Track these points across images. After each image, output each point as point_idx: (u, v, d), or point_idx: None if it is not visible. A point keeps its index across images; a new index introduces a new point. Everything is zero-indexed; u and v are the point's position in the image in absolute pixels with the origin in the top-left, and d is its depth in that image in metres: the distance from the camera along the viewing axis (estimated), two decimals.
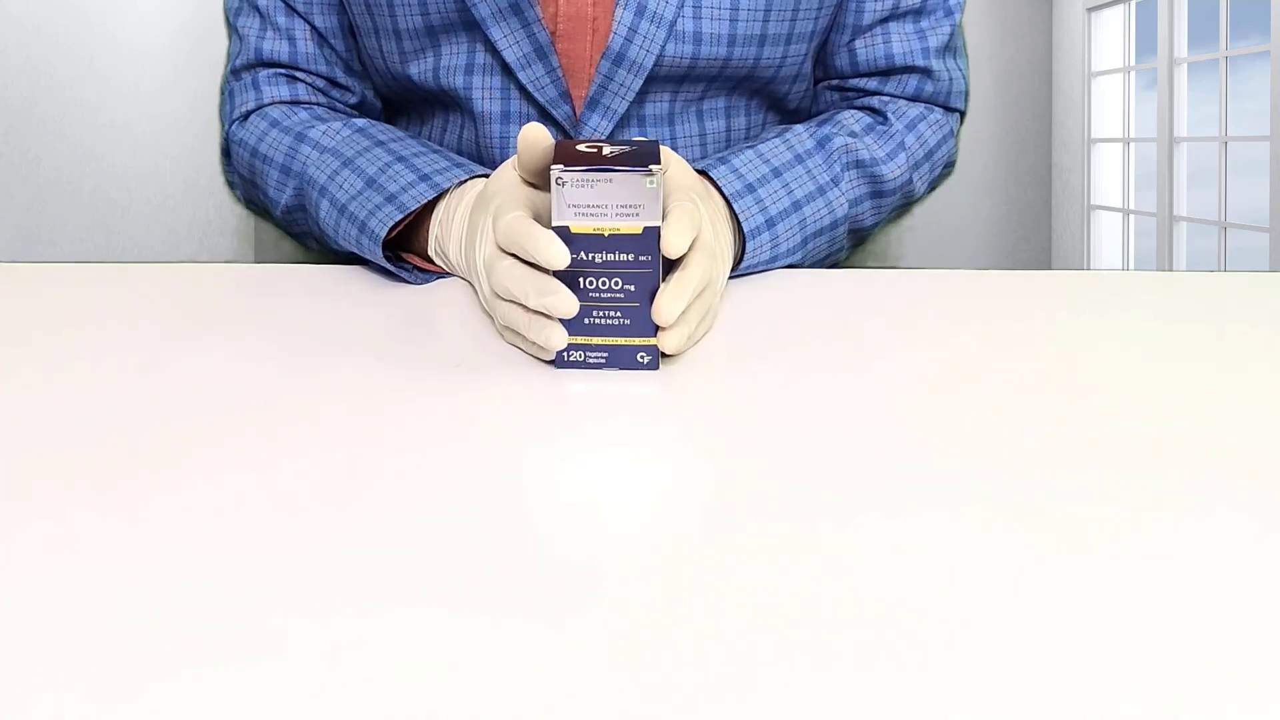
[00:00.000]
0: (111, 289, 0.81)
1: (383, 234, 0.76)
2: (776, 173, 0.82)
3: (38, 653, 0.40)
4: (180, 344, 0.69)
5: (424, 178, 0.78)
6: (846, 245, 0.90)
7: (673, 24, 0.83)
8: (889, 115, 0.91)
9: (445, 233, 0.78)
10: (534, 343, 0.64)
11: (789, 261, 0.82)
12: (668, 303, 0.62)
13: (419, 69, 0.88)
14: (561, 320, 0.63)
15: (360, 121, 0.87)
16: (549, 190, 0.66)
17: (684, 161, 0.72)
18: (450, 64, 0.87)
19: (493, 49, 0.85)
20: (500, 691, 0.38)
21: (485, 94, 0.87)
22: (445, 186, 0.77)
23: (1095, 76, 3.37)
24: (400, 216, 0.76)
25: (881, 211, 0.91)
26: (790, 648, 0.40)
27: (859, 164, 0.87)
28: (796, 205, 0.82)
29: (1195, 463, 0.54)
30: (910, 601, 0.43)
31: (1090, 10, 3.36)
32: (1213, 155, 2.93)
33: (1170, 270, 2.89)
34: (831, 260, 0.89)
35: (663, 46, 0.83)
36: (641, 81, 0.84)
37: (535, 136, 0.67)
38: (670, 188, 0.67)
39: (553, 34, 0.84)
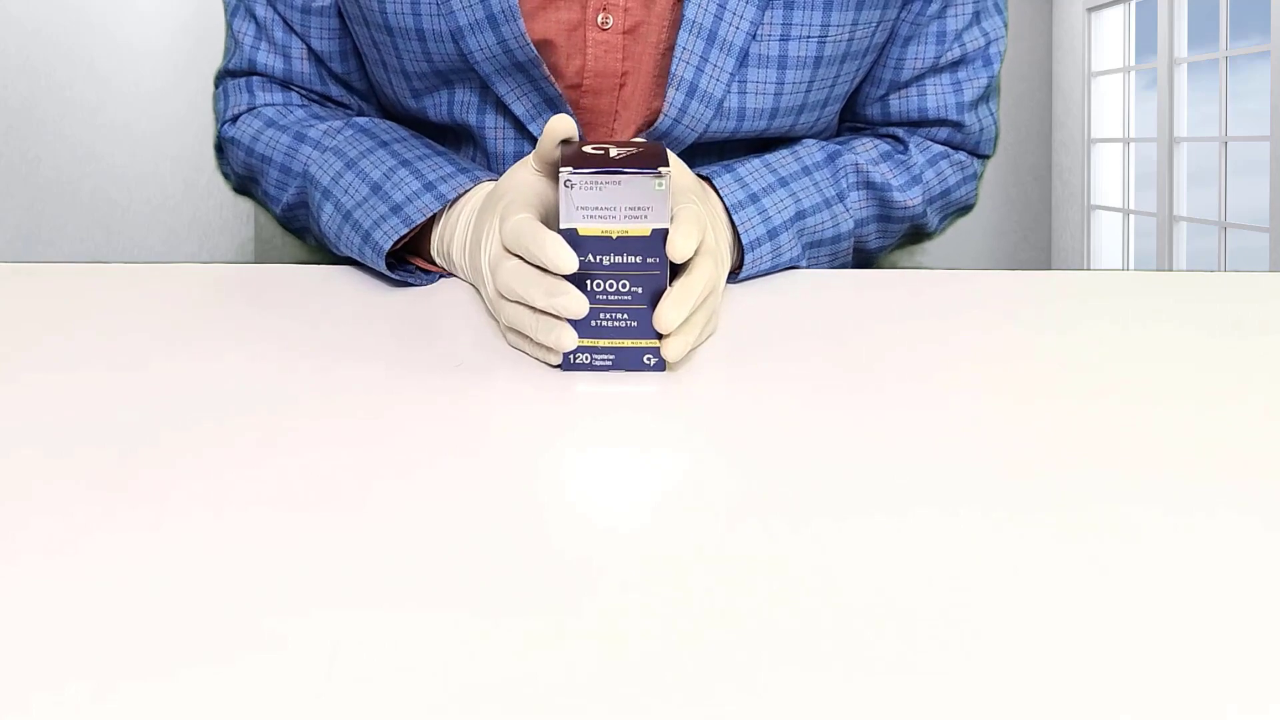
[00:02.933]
0: (111, 289, 0.81)
1: (387, 247, 0.75)
2: (783, 182, 0.81)
3: (39, 651, 0.40)
4: (180, 345, 0.69)
5: (429, 186, 0.77)
6: (850, 263, 0.89)
7: (720, 102, 0.81)
8: (910, 146, 0.89)
9: (449, 235, 0.77)
10: (541, 345, 0.64)
11: (788, 269, 0.82)
12: (670, 310, 0.62)
13: (434, 104, 0.86)
14: (571, 322, 0.63)
15: (362, 120, 0.86)
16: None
17: (682, 163, 0.72)
18: (464, 100, 0.85)
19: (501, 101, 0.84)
20: (502, 691, 0.38)
21: (498, 134, 0.85)
22: (451, 197, 0.76)
23: (1095, 76, 3.38)
24: (405, 230, 0.75)
25: (888, 237, 0.89)
26: (793, 648, 0.40)
27: (869, 185, 0.85)
28: (800, 215, 0.81)
29: (1195, 463, 0.54)
30: (912, 602, 0.43)
31: (1090, 10, 3.36)
32: (1213, 155, 2.94)
33: (1170, 270, 2.90)
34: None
35: (708, 125, 0.82)
36: (679, 151, 0.83)
37: (561, 128, 0.66)
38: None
39: (578, 88, 0.83)
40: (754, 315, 0.74)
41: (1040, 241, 3.56)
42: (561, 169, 0.62)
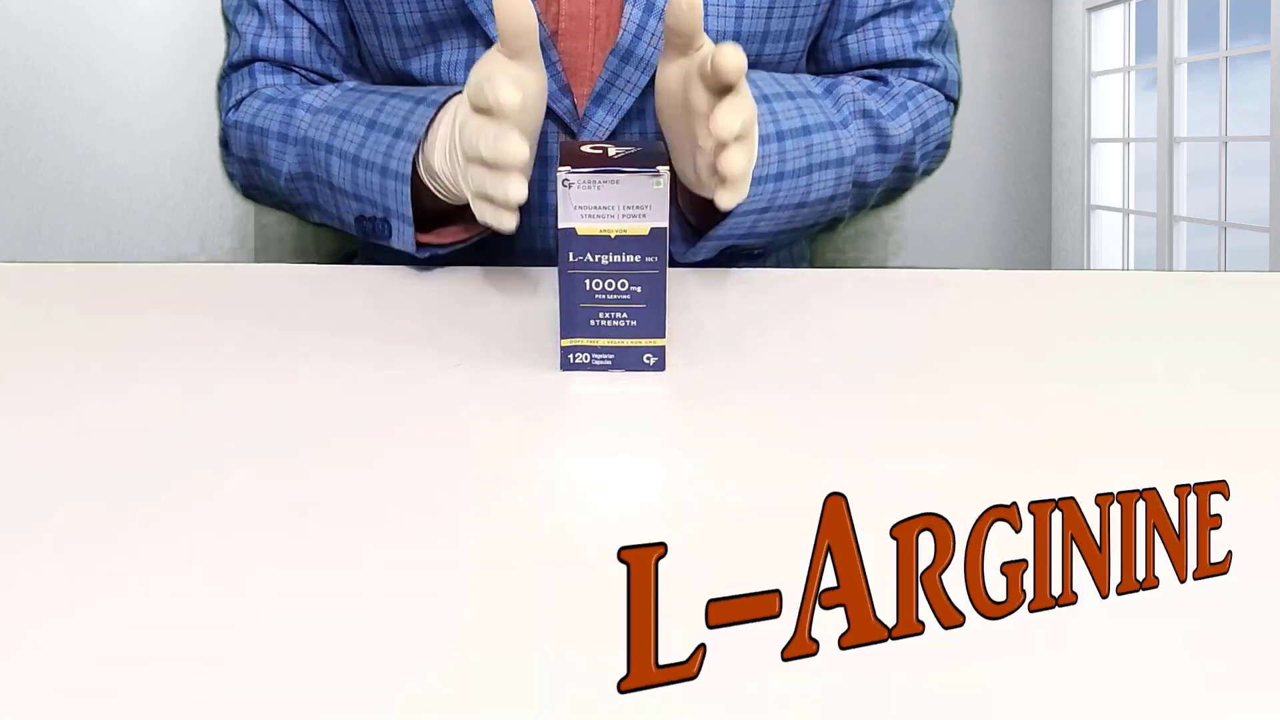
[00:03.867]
0: (111, 289, 0.81)
1: (407, 172, 0.77)
2: (790, 95, 0.84)
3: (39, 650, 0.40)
4: (180, 344, 0.69)
5: (420, 100, 0.79)
6: (849, 203, 0.90)
7: None
8: (890, 80, 0.92)
9: (431, 147, 0.78)
10: (494, 200, 0.65)
11: (793, 186, 0.82)
12: (727, 115, 0.63)
13: (420, 64, 0.88)
14: (569, 322, 0.63)
15: (350, 82, 0.89)
16: (530, 62, 0.66)
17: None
18: (452, 59, 0.87)
19: (491, 44, 0.85)
20: (502, 692, 0.38)
21: None
22: (440, 100, 0.78)
23: (1095, 76, 3.37)
24: (414, 148, 0.77)
25: (884, 169, 0.91)
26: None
27: (866, 113, 0.88)
28: (806, 130, 0.83)
29: (1195, 463, 0.54)
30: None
31: (1090, 10, 3.36)
32: (1213, 155, 2.93)
33: (1170, 270, 2.89)
34: (833, 214, 0.89)
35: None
36: (648, 79, 0.85)
37: (512, 3, 0.67)
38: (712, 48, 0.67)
39: (554, 32, 0.85)
40: (753, 315, 0.74)
41: (1040, 241, 3.55)
42: (559, 168, 0.62)
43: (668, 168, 0.62)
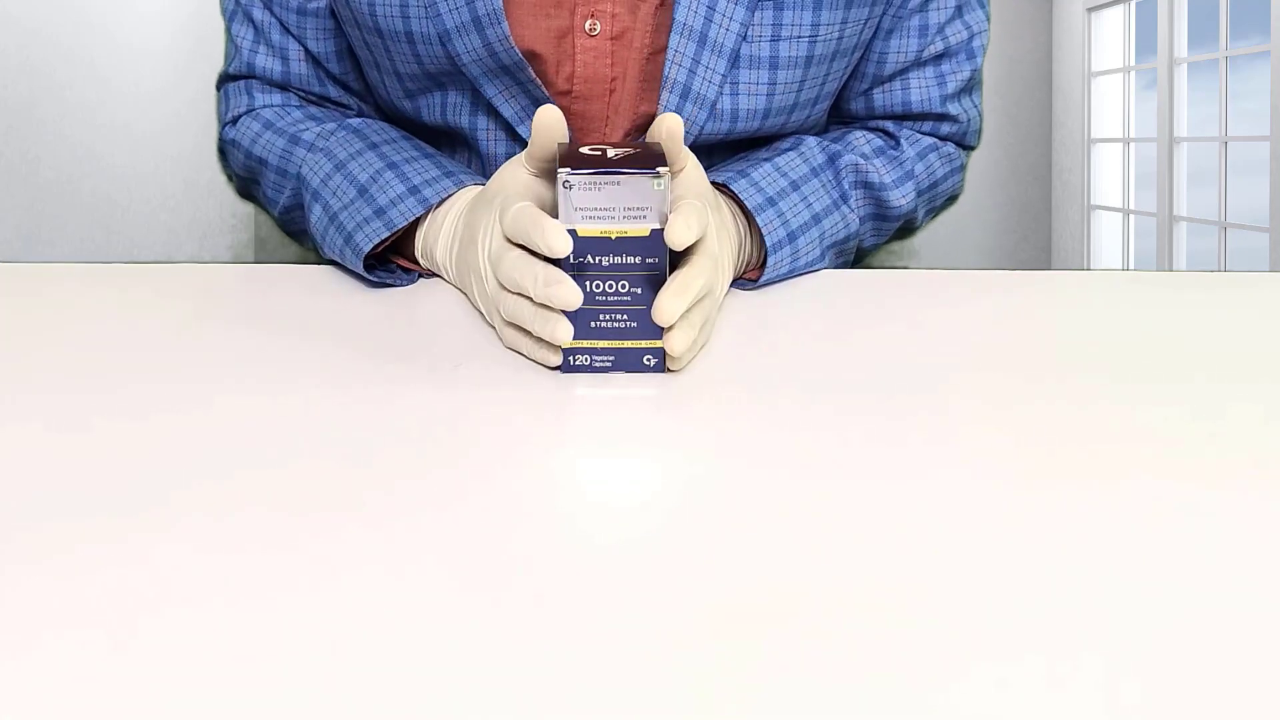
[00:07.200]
0: (111, 289, 0.81)
1: (367, 249, 0.75)
2: (795, 186, 0.81)
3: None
4: (179, 344, 0.69)
5: (413, 190, 0.77)
6: (850, 263, 0.90)
7: (714, 104, 0.82)
8: (901, 141, 0.89)
9: (433, 238, 0.77)
10: (539, 342, 0.64)
11: (806, 270, 0.82)
12: (669, 301, 0.61)
13: (426, 104, 0.87)
14: (568, 320, 0.62)
15: (355, 121, 0.86)
16: (554, 181, 0.66)
17: (701, 168, 0.71)
18: (456, 102, 0.86)
19: (485, 100, 0.84)
20: (501, 695, 0.38)
21: (489, 135, 0.86)
22: (434, 201, 0.77)
23: (1095, 76, 3.38)
24: (387, 234, 0.76)
25: (881, 235, 0.90)
26: (793, 653, 0.40)
27: (867, 185, 0.86)
28: (816, 219, 0.81)
29: (1195, 464, 0.54)
30: (914, 609, 0.43)
31: (1090, 10, 3.36)
32: (1213, 155, 2.94)
33: (1170, 270, 2.90)
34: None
35: (702, 127, 0.82)
36: None
37: (550, 121, 0.66)
38: (683, 190, 0.66)
39: (568, 94, 0.83)
40: (754, 316, 0.74)
41: (1040, 241, 3.56)
42: (560, 170, 0.62)
43: (668, 169, 0.62)
